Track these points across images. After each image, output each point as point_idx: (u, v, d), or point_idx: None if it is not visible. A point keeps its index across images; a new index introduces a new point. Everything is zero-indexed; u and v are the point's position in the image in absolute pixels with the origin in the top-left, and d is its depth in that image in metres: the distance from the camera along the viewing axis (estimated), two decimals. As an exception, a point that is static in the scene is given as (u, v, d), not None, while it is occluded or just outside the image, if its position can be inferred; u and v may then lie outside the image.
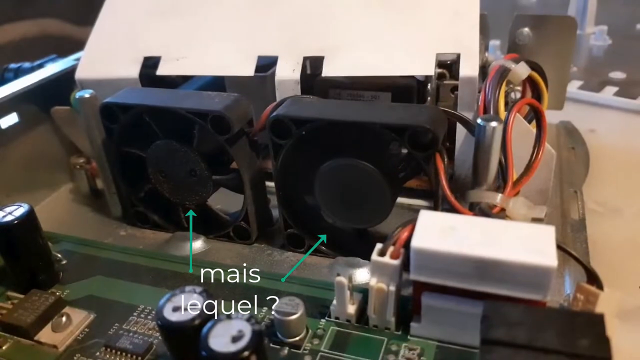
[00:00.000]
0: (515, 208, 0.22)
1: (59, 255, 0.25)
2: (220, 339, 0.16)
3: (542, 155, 0.23)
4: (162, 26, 0.30)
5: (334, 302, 0.21)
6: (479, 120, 0.21)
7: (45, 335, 0.21)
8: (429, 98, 0.29)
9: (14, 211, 0.23)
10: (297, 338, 0.20)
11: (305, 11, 0.28)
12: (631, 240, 0.27)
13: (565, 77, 0.34)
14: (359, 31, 0.27)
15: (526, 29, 0.33)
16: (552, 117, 0.36)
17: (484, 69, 0.34)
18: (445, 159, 0.22)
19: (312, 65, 0.30)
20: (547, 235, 0.18)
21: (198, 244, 0.27)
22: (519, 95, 0.30)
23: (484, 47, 0.34)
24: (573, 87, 0.43)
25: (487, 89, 0.25)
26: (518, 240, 0.17)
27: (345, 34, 0.27)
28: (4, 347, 0.21)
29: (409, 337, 0.20)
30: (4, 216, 0.22)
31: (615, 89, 0.42)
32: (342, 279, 0.20)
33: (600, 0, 0.56)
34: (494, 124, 0.21)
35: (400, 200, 0.28)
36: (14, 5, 0.81)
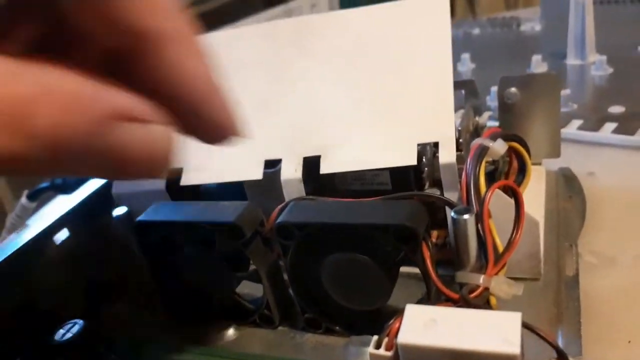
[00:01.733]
0: (497, 286, 0.24)
1: (114, 356, 0.29)
2: None
3: (521, 232, 0.25)
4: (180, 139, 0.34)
5: (346, 385, 0.24)
6: (452, 214, 0.24)
7: None
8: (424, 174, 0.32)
9: (71, 328, 0.27)
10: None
11: (301, 114, 0.32)
12: (624, 291, 0.28)
13: (557, 127, 0.36)
14: (349, 129, 0.30)
15: (513, 89, 0.36)
16: (551, 164, 0.38)
17: (477, 131, 0.37)
18: (431, 248, 0.25)
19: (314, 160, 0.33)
20: (513, 322, 0.20)
21: (230, 332, 0.31)
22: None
23: (472, 112, 0.36)
24: (572, 128, 0.44)
25: (467, 169, 0.28)
26: (488, 328, 0.20)
27: (338, 133, 0.31)
28: None
29: (412, 413, 0.23)
30: (64, 334, 0.27)
31: (614, 125, 0.43)
32: (350, 366, 0.23)
33: (598, 26, 0.57)
34: (466, 216, 0.24)
35: (407, 269, 0.31)
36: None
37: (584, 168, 0.39)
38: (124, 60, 0.15)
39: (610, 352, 0.25)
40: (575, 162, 0.39)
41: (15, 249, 0.30)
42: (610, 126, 0.43)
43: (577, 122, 0.45)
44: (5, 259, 0.30)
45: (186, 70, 0.15)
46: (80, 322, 0.27)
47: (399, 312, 0.23)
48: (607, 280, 0.29)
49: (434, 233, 0.31)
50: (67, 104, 0.13)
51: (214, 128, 0.16)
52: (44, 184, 0.49)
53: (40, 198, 0.50)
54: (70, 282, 0.32)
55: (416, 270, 0.31)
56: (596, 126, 0.44)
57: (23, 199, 0.51)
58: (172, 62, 0.15)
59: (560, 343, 0.25)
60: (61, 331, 0.27)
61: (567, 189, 0.37)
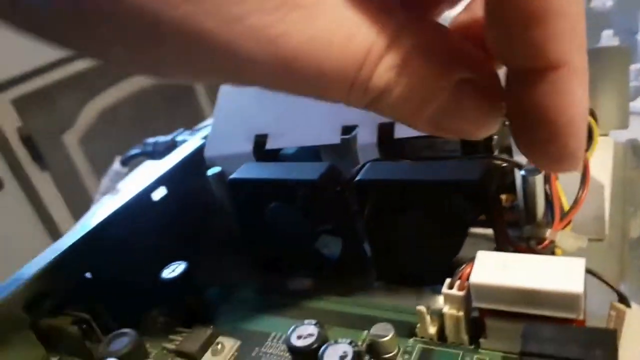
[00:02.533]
0: (562, 240, 0.26)
1: (210, 297, 0.33)
2: (331, 359, 0.22)
3: (585, 195, 0.27)
4: (267, 107, 0.38)
5: (418, 325, 0.27)
6: (522, 172, 0.26)
7: (208, 358, 0.29)
8: (493, 142, 0.34)
9: (176, 268, 0.31)
10: (391, 354, 0.26)
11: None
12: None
13: (625, 98, 0.37)
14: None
15: (582, 61, 0.37)
16: (619, 135, 0.39)
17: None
18: (502, 205, 0.27)
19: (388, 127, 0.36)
20: (577, 265, 0.22)
21: (309, 281, 0.34)
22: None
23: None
24: (641, 102, 0.45)
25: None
26: (553, 271, 0.22)
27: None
28: (180, 369, 0.29)
29: (479, 350, 0.25)
30: (170, 273, 0.31)
31: (686, 98, 0.43)
32: (422, 308, 0.26)
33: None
34: (535, 175, 0.26)
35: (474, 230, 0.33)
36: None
37: (653, 141, 0.39)
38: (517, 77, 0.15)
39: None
40: (643, 135, 0.40)
41: (121, 204, 0.35)
42: (682, 99, 0.43)
43: (647, 97, 0.45)
44: (114, 212, 0.34)
45: (570, 100, 0.15)
46: (184, 263, 0.31)
47: (469, 260, 0.25)
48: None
49: (503, 197, 0.33)
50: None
51: (559, 159, 0.16)
52: (135, 151, 0.54)
53: (131, 164, 0.56)
54: (169, 234, 0.36)
55: (483, 231, 0.34)
56: (668, 101, 0.44)
57: (116, 164, 0.56)
58: (561, 90, 0.15)
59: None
60: (167, 270, 0.31)
61: (635, 160, 0.38)
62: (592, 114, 0.33)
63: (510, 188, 0.32)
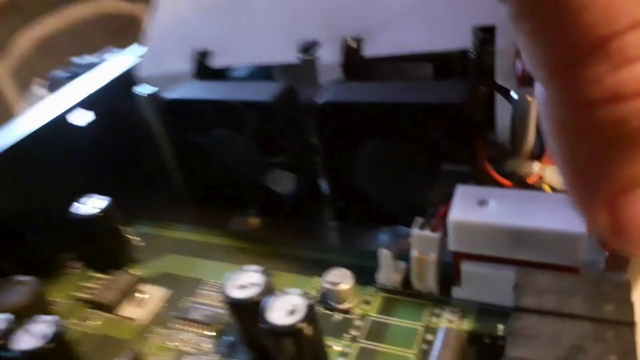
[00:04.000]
0: (552, 175, 0.22)
1: (137, 238, 0.28)
2: (277, 313, 0.18)
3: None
4: (210, 19, 0.32)
5: (381, 270, 0.22)
6: (516, 93, 0.22)
7: (128, 310, 0.24)
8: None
9: (95, 203, 0.26)
10: (348, 304, 0.22)
11: (342, -8, 0.29)
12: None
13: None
14: (396, 9, 0.28)
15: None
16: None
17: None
18: (486, 133, 0.23)
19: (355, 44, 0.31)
20: (578, 204, 0.18)
21: (257, 220, 0.30)
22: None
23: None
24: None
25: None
26: (550, 210, 0.18)
27: (383, 12, 0.28)
28: (93, 322, 0.24)
29: (450, 300, 0.21)
30: (86, 208, 0.25)
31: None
32: (385, 251, 0.22)
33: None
34: (530, 96, 0.22)
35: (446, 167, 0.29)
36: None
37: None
38: None
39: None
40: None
41: (33, 129, 0.29)
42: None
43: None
44: (21, 138, 0.28)
45: None
46: (106, 198, 0.26)
47: (445, 197, 0.21)
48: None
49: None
50: None
51: None
52: (60, 72, 0.47)
53: (55, 87, 0.48)
54: (93, 163, 0.31)
55: (459, 169, 0.30)
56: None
57: (35, 88, 0.49)
58: None
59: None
60: (83, 206, 0.26)
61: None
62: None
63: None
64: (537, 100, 0.13)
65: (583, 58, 0.11)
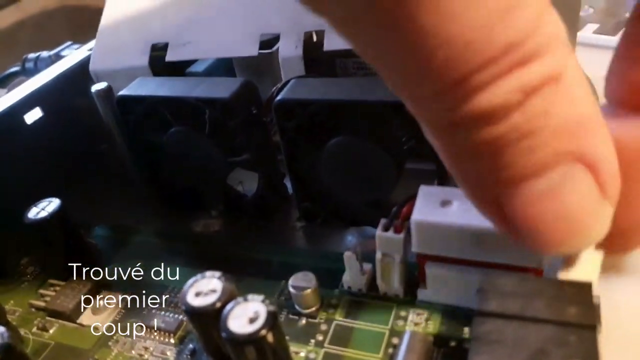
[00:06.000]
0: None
1: (94, 242, 0.27)
2: (238, 320, 0.17)
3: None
4: (166, 11, 0.31)
5: (345, 273, 0.22)
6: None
7: (87, 318, 0.23)
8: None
9: (47, 207, 0.25)
10: (313, 309, 0.22)
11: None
12: None
13: (575, 24, 0.33)
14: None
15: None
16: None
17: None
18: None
19: (317, 38, 0.30)
20: (541, 204, 0.18)
21: (218, 222, 0.29)
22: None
23: None
24: (588, 32, 0.42)
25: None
26: (513, 211, 0.18)
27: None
28: (50, 331, 0.23)
29: (416, 302, 0.21)
30: (38, 212, 0.24)
31: (632, 30, 0.41)
32: (350, 254, 0.21)
33: None
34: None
35: (411, 165, 0.28)
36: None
37: (599, 72, 0.36)
38: None
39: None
40: (590, 66, 0.36)
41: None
42: (628, 31, 0.40)
43: (592, 27, 0.42)
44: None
45: None
46: (57, 200, 0.25)
47: (409, 197, 0.21)
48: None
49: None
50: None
51: None
52: (14, 68, 0.45)
53: (9, 85, 0.46)
54: (45, 163, 0.29)
55: (423, 166, 0.30)
56: (613, 31, 0.41)
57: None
58: None
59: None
60: (35, 209, 0.24)
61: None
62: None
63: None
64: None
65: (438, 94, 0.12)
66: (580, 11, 0.39)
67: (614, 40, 0.40)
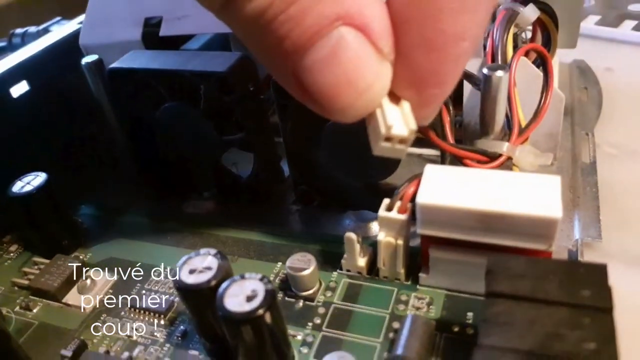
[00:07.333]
0: (522, 156, 0.21)
1: (80, 220, 0.26)
2: (235, 299, 0.16)
3: (550, 101, 0.23)
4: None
5: (345, 255, 0.21)
6: (484, 70, 0.21)
7: (72, 297, 0.22)
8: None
9: (32, 181, 0.23)
10: (311, 291, 0.21)
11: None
12: (644, 182, 0.27)
13: (578, 14, 0.33)
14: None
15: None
16: (565, 56, 0.35)
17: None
18: (450, 113, 0.22)
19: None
20: (552, 185, 0.18)
21: (212, 204, 0.28)
22: (529, 34, 0.29)
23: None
24: (590, 23, 0.41)
25: (494, 35, 0.24)
26: (523, 192, 0.18)
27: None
28: (34, 310, 0.22)
29: (418, 287, 0.21)
30: (23, 186, 0.23)
31: (634, 22, 0.40)
32: (351, 235, 0.20)
33: None
34: (499, 73, 0.21)
35: (412, 150, 0.28)
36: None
37: (601, 63, 0.36)
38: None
39: (629, 239, 0.23)
40: (591, 57, 0.36)
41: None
42: (629, 23, 0.40)
43: (594, 18, 0.42)
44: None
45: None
46: (44, 175, 0.24)
47: (412, 177, 0.20)
48: (628, 172, 0.27)
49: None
50: None
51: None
52: (1, 44, 0.43)
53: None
54: (31, 139, 0.28)
55: (425, 151, 0.29)
56: (614, 23, 0.41)
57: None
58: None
59: (577, 226, 0.24)
60: (19, 183, 0.23)
61: (582, 81, 0.34)
62: (552, 14, 0.28)
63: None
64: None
65: None
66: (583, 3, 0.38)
67: (616, 31, 0.40)
